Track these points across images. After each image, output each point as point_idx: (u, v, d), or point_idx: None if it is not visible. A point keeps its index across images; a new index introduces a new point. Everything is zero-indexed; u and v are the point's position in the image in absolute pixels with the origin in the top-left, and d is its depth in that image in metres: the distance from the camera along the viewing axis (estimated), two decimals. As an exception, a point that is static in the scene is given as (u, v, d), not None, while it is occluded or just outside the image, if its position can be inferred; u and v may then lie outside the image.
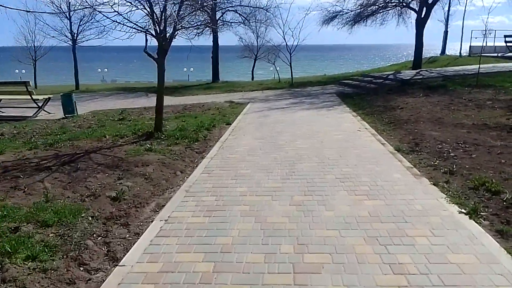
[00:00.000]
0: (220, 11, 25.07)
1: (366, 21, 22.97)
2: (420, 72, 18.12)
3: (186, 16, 9.03)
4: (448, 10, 27.91)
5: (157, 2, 7.77)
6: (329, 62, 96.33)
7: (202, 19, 23.85)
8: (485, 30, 28.36)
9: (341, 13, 22.85)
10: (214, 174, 5.84)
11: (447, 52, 29.69)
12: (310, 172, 5.73)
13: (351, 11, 22.59)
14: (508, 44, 22.68)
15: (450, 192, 4.71)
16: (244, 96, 16.69)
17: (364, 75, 18.99)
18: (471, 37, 27.68)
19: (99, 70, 61.75)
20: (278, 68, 27.14)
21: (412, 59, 23.27)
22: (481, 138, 6.94)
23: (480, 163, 5.63)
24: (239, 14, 25.37)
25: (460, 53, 26.06)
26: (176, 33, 8.10)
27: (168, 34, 8.07)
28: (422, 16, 20.74)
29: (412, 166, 5.87)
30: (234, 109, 12.98)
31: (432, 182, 5.05)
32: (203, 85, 23.83)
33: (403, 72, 18.40)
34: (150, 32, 7.82)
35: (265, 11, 24.64)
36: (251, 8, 24.86)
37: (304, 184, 5.22)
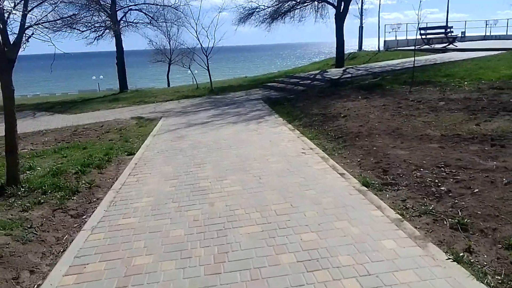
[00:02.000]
0: (122, 10, 21.93)
1: (284, 17, 21.53)
2: (347, 70, 17.02)
3: (50, 10, 6.29)
4: (362, 5, 27.75)
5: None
6: (248, 63, 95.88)
7: (97, 19, 20.65)
8: (396, 24, 28.98)
9: (257, 9, 21.11)
10: (88, 273, 3.36)
11: (364, 48, 29.69)
12: (252, 249, 3.52)
13: (268, 7, 20.99)
14: (423, 37, 22.84)
15: (489, 278, 2.83)
16: (156, 109, 14.01)
17: (289, 76, 17.42)
18: (384, 32, 27.95)
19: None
20: (196, 72, 24.64)
21: (334, 56, 22.47)
22: (464, 156, 5.34)
23: (494, 205, 3.91)
24: (145, 13, 22.49)
25: (378, 48, 25.96)
26: (26, 36, 5.30)
27: (15, 37, 5.26)
28: (341, 10, 19.83)
29: (399, 216, 3.97)
30: (141, 128, 10.33)
31: (450, 256, 3.15)
32: (108, 96, 20.46)
33: (330, 71, 17.16)
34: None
35: (174, 9, 22.12)
36: (158, 6, 22.13)
37: (248, 284, 3.00)
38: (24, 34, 5.40)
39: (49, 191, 5.34)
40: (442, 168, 5.07)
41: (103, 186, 5.73)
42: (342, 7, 19.83)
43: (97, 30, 20.79)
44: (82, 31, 20.18)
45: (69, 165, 6.58)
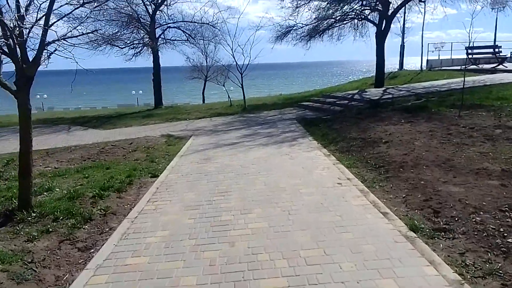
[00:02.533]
0: (160, 28, 22.22)
1: (322, 36, 20.98)
2: (387, 90, 16.11)
3: (78, 24, 6.05)
4: (404, 23, 26.75)
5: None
6: (283, 80, 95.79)
7: (136, 37, 21.00)
8: (439, 43, 27.64)
9: (294, 28, 20.71)
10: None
11: (405, 67, 28.50)
12: (275, 312, 2.88)
13: (306, 25, 20.52)
14: (469, 56, 21.51)
15: None
16: (187, 127, 13.74)
17: (326, 95, 16.73)
18: (427, 51, 26.67)
19: (38, 96, 56.05)
20: (231, 89, 24.45)
21: (373, 75, 21.60)
22: (535, 200, 4.46)
23: None
24: (183, 31, 22.68)
25: (421, 67, 24.76)
26: (48, 51, 5.00)
27: (35, 53, 4.99)
28: (382, 29, 19.04)
29: (459, 276, 3.20)
30: (170, 147, 9.99)
31: None
32: (143, 112, 20.59)
33: (369, 91, 16.32)
34: None
35: (211, 27, 22.15)
36: (196, 24, 22.26)
37: None
38: (46, 50, 5.15)
39: (61, 217, 4.95)
40: (506, 213, 4.23)
41: (119, 213, 5.30)
42: (383, 25, 19.05)
43: (136, 47, 21.14)
44: (121, 48, 20.61)
45: (88, 187, 6.23)
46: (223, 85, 20.94)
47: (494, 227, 3.98)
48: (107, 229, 4.76)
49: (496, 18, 27.56)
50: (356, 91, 17.15)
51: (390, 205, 4.92)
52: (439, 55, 27.88)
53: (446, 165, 6.02)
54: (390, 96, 14.37)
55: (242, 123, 13.39)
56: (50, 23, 4.78)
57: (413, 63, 31.10)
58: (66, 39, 5.22)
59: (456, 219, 4.27)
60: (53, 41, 5.05)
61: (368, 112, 12.08)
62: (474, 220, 4.19)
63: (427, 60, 27.46)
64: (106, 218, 5.09)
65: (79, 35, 5.04)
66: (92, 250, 4.22)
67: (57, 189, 6.23)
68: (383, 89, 16.81)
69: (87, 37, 6.19)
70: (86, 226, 4.81)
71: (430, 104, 11.58)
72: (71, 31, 5.33)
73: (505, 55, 23.69)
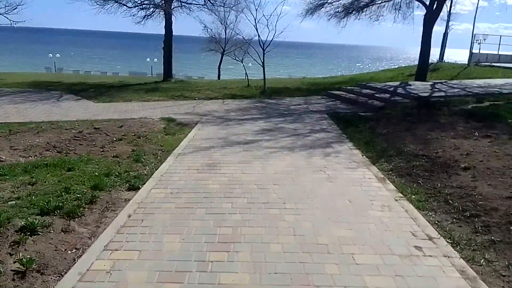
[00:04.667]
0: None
1: (360, 13, 18.22)
2: (436, 86, 13.52)
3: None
4: (450, 7, 23.60)
5: None
6: (303, 60, 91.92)
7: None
8: (482, 35, 24.47)
9: (329, 1, 17.96)
10: None
11: (445, 59, 25.46)
12: None
13: (343, -1, 17.76)
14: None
15: None
16: (195, 109, 11.47)
17: (361, 85, 14.19)
18: (471, 44, 23.54)
19: (50, 55, 54.08)
20: (249, 65, 21.91)
21: (403, 65, 18.93)
22: None
23: None
24: (201, -6, 20.03)
25: (468, 61, 21.82)
26: None
27: None
28: (432, 11, 16.21)
29: None
30: (167, 137, 7.79)
31: None
32: (149, 84, 18.33)
33: (413, 85, 13.72)
34: None
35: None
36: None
37: None
38: None
39: None
40: None
41: (46, 273, 3.12)
42: (434, 6, 16.22)
43: (146, 7, 18.66)
44: (130, 8, 18.20)
45: (22, 207, 4.05)
46: (241, 62, 18.44)
47: None
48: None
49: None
50: (398, 83, 14.53)
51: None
52: (479, 49, 24.75)
53: None
54: (442, 93, 11.83)
55: (261, 111, 11.05)
56: None
57: (454, 55, 27.93)
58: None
59: None
60: None
61: (419, 113, 9.63)
62: None
63: (471, 54, 24.41)
64: (16, 283, 2.91)
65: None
66: None
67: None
68: (430, 83, 14.19)
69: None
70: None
71: (502, 111, 9.06)
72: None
73: None
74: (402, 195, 4.84)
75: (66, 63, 53.72)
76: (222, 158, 6.34)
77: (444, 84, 13.90)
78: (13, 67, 46.56)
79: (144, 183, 5.11)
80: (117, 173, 5.35)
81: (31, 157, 5.81)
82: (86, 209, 4.20)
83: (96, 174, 5.17)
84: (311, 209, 4.37)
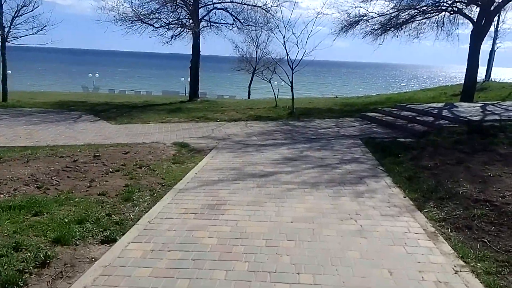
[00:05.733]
0: (205, 8, 19.16)
1: (399, 30, 16.86)
2: (487, 108, 11.88)
3: None
4: (497, 23, 21.73)
5: None
6: (336, 79, 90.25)
7: (174, 16, 18.02)
8: None
9: (365, 17, 16.76)
10: None
11: (492, 78, 23.38)
12: None
13: (380, 15, 16.51)
14: None
15: None
16: (213, 132, 10.51)
17: (400, 107, 12.75)
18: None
19: (90, 75, 55.75)
20: (276, 84, 20.89)
21: (444, 84, 17.25)
22: None
23: None
24: (230, 13, 19.43)
25: (521, 80, 19.79)
26: None
27: None
28: (482, 26, 14.63)
29: None
30: (174, 166, 6.80)
31: None
32: (174, 104, 17.69)
33: (460, 106, 12.14)
34: None
35: (264, 11, 18.75)
36: (246, 6, 18.94)
37: None
38: None
39: None
40: None
41: None
42: (483, 22, 14.65)
43: (173, 28, 18.21)
44: (157, 28, 17.80)
45: None
46: (269, 81, 17.46)
47: None
48: None
49: None
50: (442, 104, 12.97)
51: None
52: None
53: None
54: (496, 117, 10.21)
55: (285, 136, 9.91)
56: None
57: (501, 74, 25.76)
58: None
59: None
60: None
61: (472, 141, 8.14)
62: None
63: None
64: None
65: None
66: None
67: None
68: (480, 105, 12.53)
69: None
70: None
71: None
72: None
73: None
74: (463, 263, 3.50)
75: (104, 82, 55.23)
76: (230, 197, 5.22)
77: (497, 106, 12.22)
78: (53, 86, 48.28)
79: (124, 233, 4.07)
80: (95, 218, 4.33)
81: (2, 194, 4.93)
82: (33, 276, 3.18)
83: (67, 220, 4.18)
84: (335, 285, 3.13)
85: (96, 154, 7.23)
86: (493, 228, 4.16)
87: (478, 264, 3.50)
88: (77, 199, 4.91)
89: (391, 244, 3.87)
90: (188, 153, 8.01)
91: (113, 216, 4.51)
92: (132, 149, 8.12)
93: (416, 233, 4.12)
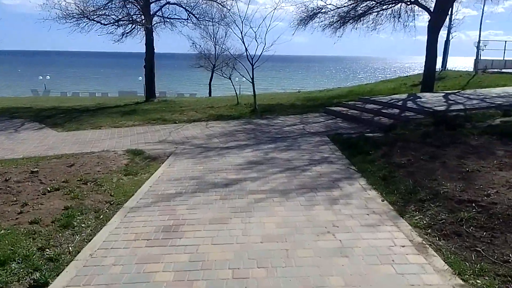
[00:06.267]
0: (157, 3, 18.12)
1: (357, 22, 16.67)
2: (450, 97, 11.84)
3: None
4: (451, 14, 22.15)
5: None
6: (294, 74, 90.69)
7: (122, 11, 16.87)
8: (483, 41, 23.00)
9: (323, 10, 16.44)
10: None
11: (448, 67, 23.92)
12: None
13: (338, 7, 16.23)
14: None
15: None
16: (171, 135, 9.70)
17: (364, 99, 12.48)
18: (478, 49, 22.05)
19: (40, 77, 52.32)
20: (237, 80, 20.26)
21: (401, 75, 17.36)
22: None
23: None
24: (184, 8, 18.50)
25: (475, 69, 20.29)
26: None
27: None
28: (439, 16, 14.68)
29: None
30: (125, 179, 6.00)
31: None
32: (128, 105, 16.59)
33: (424, 97, 12.03)
34: None
35: (220, 5, 17.98)
36: (201, 0, 18.09)
37: None
38: None
39: None
40: None
41: None
42: (439, 13, 14.69)
43: (123, 25, 17.05)
44: (104, 25, 16.57)
45: None
46: (229, 78, 16.76)
47: None
48: None
49: None
50: (405, 95, 12.85)
51: None
52: (480, 55, 23.23)
53: None
54: (461, 106, 10.12)
55: (248, 136, 9.29)
56: None
57: (457, 63, 26.50)
58: None
59: None
60: None
61: (440, 133, 7.90)
62: None
63: (477, 61, 22.88)
64: None
65: None
66: None
67: None
68: (442, 94, 12.50)
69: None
70: None
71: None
72: None
73: None
74: (462, 281, 3.04)
75: (57, 85, 52.09)
76: (189, 214, 4.53)
77: (458, 95, 12.23)
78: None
79: (59, 273, 3.30)
80: (23, 256, 3.52)
81: None
82: None
83: (-19, 262, 3.34)
84: (319, 328, 2.55)
85: (34, 170, 6.28)
86: (484, 233, 3.76)
87: (478, 281, 3.05)
88: (2, 231, 4.04)
89: (377, 263, 3.35)
90: (143, 161, 7.21)
91: (47, 250, 3.71)
92: (78, 160, 7.20)
93: (403, 246, 3.64)
